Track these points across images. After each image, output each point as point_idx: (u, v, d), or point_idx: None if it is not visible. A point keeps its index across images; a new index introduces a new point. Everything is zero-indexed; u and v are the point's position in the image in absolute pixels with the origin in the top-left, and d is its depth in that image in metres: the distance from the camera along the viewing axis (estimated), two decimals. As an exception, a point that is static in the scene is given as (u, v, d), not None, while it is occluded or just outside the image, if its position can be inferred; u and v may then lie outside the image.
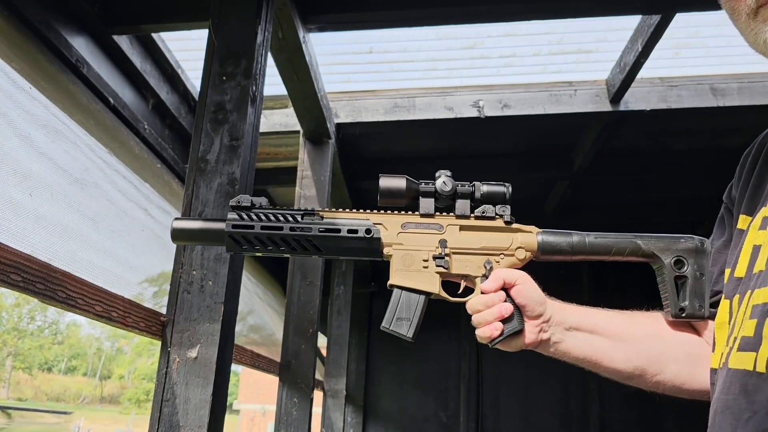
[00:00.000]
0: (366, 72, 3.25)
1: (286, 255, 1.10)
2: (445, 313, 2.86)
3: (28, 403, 46.38)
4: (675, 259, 1.07)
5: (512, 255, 1.09)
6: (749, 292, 0.85)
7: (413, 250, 1.09)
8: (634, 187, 4.41)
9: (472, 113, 3.21)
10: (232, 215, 1.08)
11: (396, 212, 1.11)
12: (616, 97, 3.11)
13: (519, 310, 1.05)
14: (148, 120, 2.82)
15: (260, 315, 4.40)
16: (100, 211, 2.21)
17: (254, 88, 1.80)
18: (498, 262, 1.09)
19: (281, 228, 1.07)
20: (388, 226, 1.10)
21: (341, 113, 3.24)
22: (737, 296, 0.90)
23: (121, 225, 2.39)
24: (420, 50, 3.08)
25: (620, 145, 3.64)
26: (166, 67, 2.86)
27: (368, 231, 1.08)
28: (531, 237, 1.10)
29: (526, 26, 2.88)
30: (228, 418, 2.15)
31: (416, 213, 1.11)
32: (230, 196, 1.66)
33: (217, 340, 1.56)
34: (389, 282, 1.09)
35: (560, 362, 1.11)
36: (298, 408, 2.79)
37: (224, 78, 1.79)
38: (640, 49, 2.73)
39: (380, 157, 3.88)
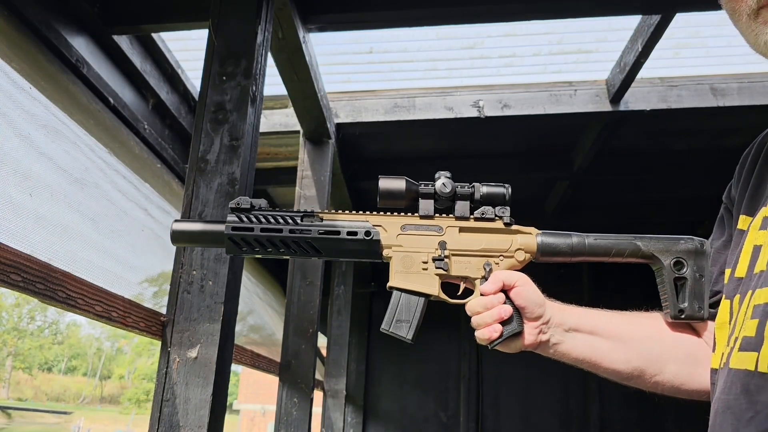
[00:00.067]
0: (366, 72, 3.25)
1: (285, 257, 1.10)
2: (445, 314, 2.86)
3: (28, 403, 46.38)
4: (674, 260, 1.07)
5: (512, 257, 1.09)
6: (750, 292, 0.85)
7: (413, 251, 1.09)
8: (634, 187, 4.41)
9: (472, 113, 3.21)
10: (231, 217, 1.09)
11: (395, 214, 1.11)
12: (616, 97, 3.11)
13: (518, 311, 1.04)
14: (148, 120, 2.82)
15: (260, 315, 4.40)
16: (100, 211, 2.21)
17: (254, 88, 1.80)
18: (497, 263, 1.09)
19: (281, 230, 1.07)
20: (387, 227, 1.10)
21: (341, 113, 3.24)
22: (738, 296, 0.90)
23: (121, 225, 2.39)
24: (420, 50, 3.08)
25: (620, 145, 3.64)
26: (166, 67, 2.86)
27: (368, 233, 1.08)
28: (530, 238, 1.10)
29: (526, 26, 2.88)
30: (228, 418, 2.15)
31: (416, 214, 1.11)
32: (230, 196, 1.66)
33: (217, 340, 1.56)
34: (389, 284, 1.09)
35: (560, 362, 1.11)
36: (298, 408, 2.79)
37: (224, 78, 1.79)
38: (640, 49, 2.73)
39: (380, 157, 3.88)
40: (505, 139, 3.73)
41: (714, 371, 0.93)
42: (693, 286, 1.05)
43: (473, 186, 1.11)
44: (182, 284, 1.61)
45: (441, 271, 1.08)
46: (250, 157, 1.78)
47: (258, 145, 1.87)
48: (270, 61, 2.14)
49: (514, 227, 1.11)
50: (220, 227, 1.09)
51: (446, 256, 1.09)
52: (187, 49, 2.89)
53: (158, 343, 1.60)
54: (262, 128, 3.16)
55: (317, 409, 3.36)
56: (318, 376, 3.98)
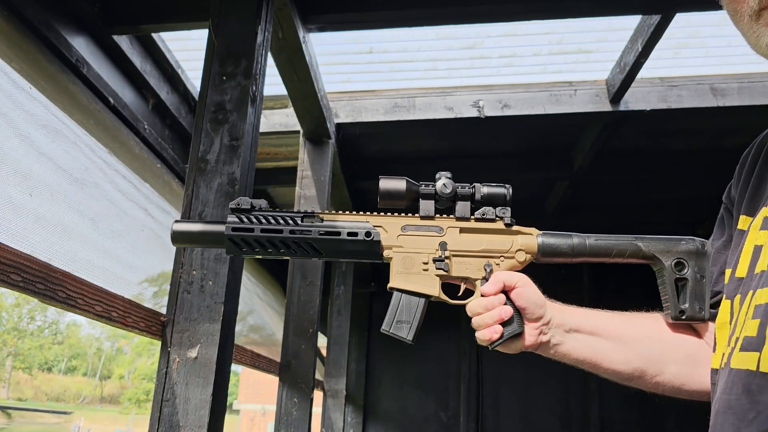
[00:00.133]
0: (366, 72, 3.25)
1: (285, 257, 1.10)
2: (445, 314, 2.86)
3: (28, 403, 46.38)
4: (675, 261, 1.07)
5: (512, 257, 1.09)
6: (751, 292, 0.85)
7: (413, 252, 1.09)
8: (634, 187, 4.41)
9: (472, 113, 3.21)
10: (231, 218, 1.09)
11: (396, 214, 1.11)
12: (616, 97, 3.11)
13: (519, 312, 1.04)
14: (148, 120, 2.82)
15: (260, 315, 4.40)
16: (100, 211, 2.21)
17: (254, 88, 1.80)
18: (498, 264, 1.09)
19: (281, 231, 1.07)
20: (388, 228, 1.10)
21: (341, 113, 3.24)
22: (738, 296, 0.90)
23: (121, 225, 2.39)
24: (420, 50, 3.08)
25: (620, 145, 3.64)
26: (166, 67, 2.86)
27: (368, 234, 1.08)
28: (531, 239, 1.10)
29: (526, 26, 2.88)
30: (228, 418, 2.15)
31: (416, 215, 1.11)
32: (230, 196, 1.66)
33: (217, 340, 1.56)
34: (389, 285, 1.09)
35: (560, 362, 1.10)
36: (298, 408, 2.79)
37: (224, 78, 1.79)
38: (640, 49, 2.73)
39: (380, 157, 3.88)
40: (505, 139, 3.73)
41: (714, 371, 0.93)
42: (694, 287, 1.05)
43: (474, 186, 1.10)
44: (182, 284, 1.61)
45: (441, 272, 1.08)
46: (250, 157, 1.78)
47: (258, 145, 1.87)
48: (270, 61, 2.14)
49: (515, 228, 1.10)
50: (221, 228, 1.09)
51: (447, 257, 1.09)
52: (187, 49, 2.89)
53: (158, 343, 1.60)
54: (262, 128, 3.16)
55: (317, 409, 3.36)
56: (318, 376, 3.98)
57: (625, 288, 4.22)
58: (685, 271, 1.06)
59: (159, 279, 2.54)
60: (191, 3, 2.37)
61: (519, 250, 1.09)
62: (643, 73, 2.96)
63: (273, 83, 2.80)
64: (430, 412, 5.38)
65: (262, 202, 1.10)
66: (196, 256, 1.62)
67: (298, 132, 3.13)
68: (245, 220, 1.08)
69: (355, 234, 1.08)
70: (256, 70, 1.82)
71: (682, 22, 2.68)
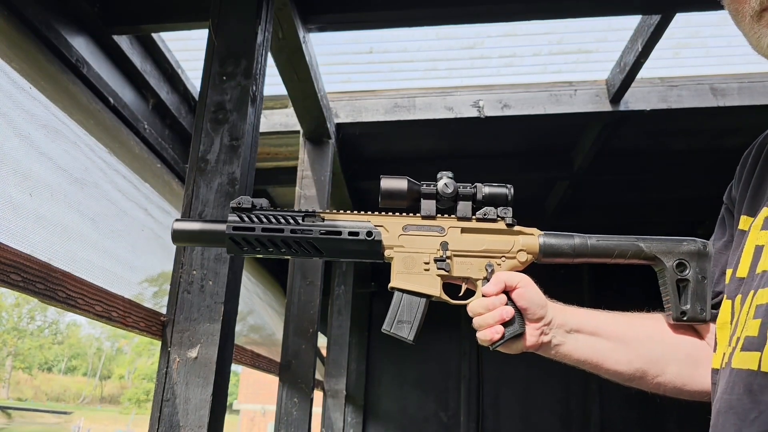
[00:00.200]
0: (366, 72, 3.25)
1: (286, 257, 1.10)
2: (446, 313, 2.86)
3: (28, 403, 46.39)
4: (677, 262, 1.07)
5: (514, 258, 1.09)
6: (752, 292, 0.85)
7: (414, 252, 1.09)
8: (634, 187, 4.41)
9: (472, 113, 3.21)
10: (232, 217, 1.08)
11: (397, 214, 1.10)
12: (616, 97, 3.11)
13: (520, 313, 1.04)
14: (148, 120, 2.82)
15: (260, 315, 4.40)
16: (100, 211, 2.21)
17: (254, 88, 1.80)
18: (499, 264, 1.09)
19: (282, 230, 1.07)
20: (389, 228, 1.09)
21: (341, 113, 3.24)
22: (739, 296, 0.90)
23: (121, 225, 2.39)
24: (420, 50, 3.08)
25: (620, 145, 3.64)
26: (166, 67, 2.86)
27: (369, 233, 1.08)
28: (533, 239, 1.09)
29: (526, 26, 2.88)
30: (228, 418, 2.15)
31: (417, 215, 1.10)
32: (230, 196, 1.65)
33: (217, 340, 1.56)
34: (390, 284, 1.09)
35: (561, 362, 1.10)
36: (298, 408, 2.79)
37: (224, 78, 1.78)
38: (640, 49, 2.73)
39: (380, 157, 3.88)
40: (505, 139, 3.73)
41: (715, 371, 0.93)
42: (695, 288, 1.05)
43: (475, 186, 1.10)
44: (182, 284, 1.61)
45: (443, 272, 1.08)
46: (250, 157, 1.78)
47: (258, 145, 1.87)
48: (270, 61, 2.14)
49: (517, 228, 1.10)
50: (221, 227, 1.09)
51: (448, 257, 1.08)
52: (187, 49, 2.89)
53: (158, 343, 1.60)
54: (262, 128, 3.16)
55: (317, 409, 3.36)
56: (318, 376, 3.98)
57: (625, 288, 4.22)
58: (687, 272, 1.06)
59: (159, 279, 2.54)
60: (191, 3, 2.37)
61: (520, 250, 1.09)
62: (643, 73, 2.96)
63: (273, 83, 2.80)
64: (430, 412, 5.38)
65: (263, 201, 1.10)
66: (196, 256, 1.62)
67: (298, 132, 3.13)
68: (246, 219, 1.08)
69: (357, 233, 1.08)
70: (256, 70, 1.82)
71: (682, 22, 2.68)
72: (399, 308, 1.08)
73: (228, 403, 2.02)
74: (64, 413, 44.15)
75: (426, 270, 1.08)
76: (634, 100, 3.17)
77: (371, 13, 2.51)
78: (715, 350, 0.95)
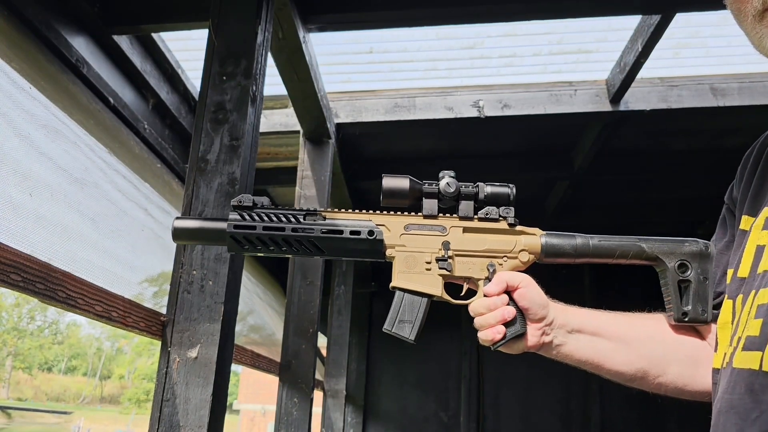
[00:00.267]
0: (366, 72, 3.25)
1: (287, 255, 1.09)
2: (446, 313, 2.86)
3: (28, 403, 46.38)
4: (679, 262, 1.06)
5: (515, 258, 1.08)
6: (753, 291, 0.85)
7: (416, 252, 1.08)
8: (634, 187, 4.41)
9: (472, 113, 3.21)
10: (233, 215, 1.08)
11: (399, 213, 1.10)
12: (616, 97, 3.11)
13: (522, 313, 1.04)
14: (148, 120, 2.82)
15: (260, 315, 4.40)
16: (100, 211, 2.21)
17: (254, 88, 1.80)
18: (501, 264, 1.08)
19: (283, 229, 1.06)
20: (390, 227, 1.09)
21: (341, 113, 3.24)
22: (741, 296, 0.90)
23: (121, 225, 2.39)
24: (420, 50, 3.08)
25: (620, 145, 3.64)
26: (166, 67, 2.85)
27: (371, 232, 1.07)
28: (534, 239, 1.09)
29: (526, 26, 2.88)
30: (228, 418, 2.15)
31: (419, 214, 1.10)
32: (230, 196, 1.65)
33: (217, 340, 1.56)
34: (392, 284, 1.08)
35: (561, 362, 1.10)
36: (298, 408, 2.79)
37: (224, 78, 1.78)
38: (640, 49, 2.73)
39: (380, 157, 3.88)
40: (505, 139, 3.73)
41: (716, 371, 0.93)
42: (697, 289, 1.05)
43: (477, 186, 1.09)
44: (182, 284, 1.61)
45: (444, 272, 1.07)
46: (251, 157, 1.78)
47: (258, 145, 1.87)
48: (270, 61, 2.14)
49: (518, 228, 1.10)
50: (222, 225, 1.08)
51: (450, 257, 1.08)
52: (187, 49, 2.89)
53: (158, 343, 1.60)
54: (262, 128, 3.16)
55: (317, 409, 3.36)
56: (318, 376, 3.98)
57: (626, 289, 4.23)
58: (688, 272, 1.06)
59: (159, 279, 2.54)
60: (191, 3, 2.37)
61: (522, 250, 1.09)
62: (643, 73, 2.96)
63: (273, 83, 2.80)
64: (430, 412, 5.38)
65: (264, 200, 1.09)
66: (197, 255, 1.62)
67: (298, 132, 3.13)
68: (247, 217, 1.07)
69: (358, 233, 1.07)
70: (256, 70, 1.82)
71: (682, 22, 2.68)
72: (400, 308, 1.07)
73: (228, 403, 2.03)
74: (64, 413, 44.15)
75: (428, 269, 1.08)
76: (634, 100, 3.17)
77: (371, 13, 2.51)
78: (716, 350, 0.95)
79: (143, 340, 38.90)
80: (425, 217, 1.10)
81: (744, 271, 0.91)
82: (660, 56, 2.88)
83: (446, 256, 1.08)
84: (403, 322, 1.07)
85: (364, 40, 2.98)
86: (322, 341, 4.01)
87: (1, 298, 47.14)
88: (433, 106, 3.23)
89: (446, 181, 1.09)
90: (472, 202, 1.10)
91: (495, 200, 1.10)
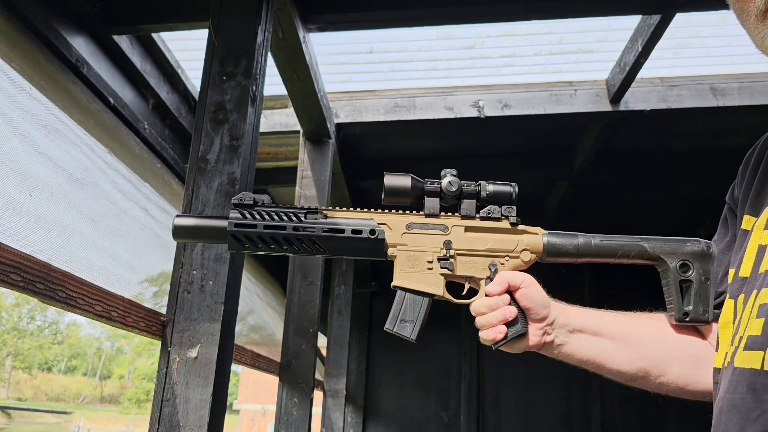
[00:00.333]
0: (366, 72, 3.25)
1: (288, 254, 1.09)
2: (446, 313, 2.86)
3: (28, 403, 46.40)
4: (680, 262, 1.06)
5: (517, 257, 1.08)
6: (755, 291, 0.85)
7: (418, 251, 1.08)
8: (634, 187, 4.41)
9: (472, 113, 3.21)
10: (234, 213, 1.07)
11: (400, 212, 1.09)
12: (616, 97, 3.11)
13: (523, 312, 1.04)
14: (148, 120, 2.82)
15: (260, 315, 4.40)
16: (100, 210, 2.21)
17: (254, 88, 1.80)
18: (503, 264, 1.08)
19: (284, 227, 1.06)
20: (392, 226, 1.08)
21: (341, 113, 3.24)
22: (742, 296, 0.90)
23: (121, 225, 2.39)
24: (420, 50, 3.08)
25: (620, 145, 3.64)
26: (166, 67, 2.86)
27: (372, 231, 1.07)
28: (536, 239, 1.09)
29: (526, 26, 2.88)
30: (228, 418, 2.15)
31: (421, 213, 1.09)
32: (230, 195, 1.65)
33: (217, 339, 1.56)
34: (393, 283, 1.07)
35: (561, 362, 1.10)
36: (298, 408, 2.79)
37: (224, 78, 1.79)
38: (640, 49, 2.73)
39: (380, 157, 3.88)
40: (505, 139, 3.73)
41: (717, 370, 0.93)
42: (698, 289, 1.04)
43: (479, 184, 1.09)
44: (182, 284, 1.61)
45: (446, 271, 1.07)
46: (251, 157, 1.79)
47: (258, 145, 1.87)
48: (270, 61, 2.14)
49: (520, 227, 1.09)
50: (223, 223, 1.07)
51: (451, 256, 1.07)
52: (187, 49, 2.89)
53: (158, 343, 1.60)
54: (262, 128, 3.16)
55: (317, 409, 3.36)
56: (318, 376, 3.98)
57: (625, 288, 4.22)
58: (690, 272, 1.05)
59: (159, 279, 2.54)
60: (191, 3, 2.37)
61: (524, 249, 1.08)
62: (643, 73, 2.96)
63: (273, 83, 2.80)
64: (430, 412, 5.38)
65: (265, 198, 1.08)
66: (197, 255, 1.62)
67: (298, 132, 3.13)
68: (248, 215, 1.07)
69: (360, 232, 1.06)
70: (256, 70, 1.82)
71: (682, 22, 2.69)
72: (402, 307, 1.07)
73: (228, 403, 2.03)
74: (64, 413, 44.15)
75: (429, 269, 1.07)
76: (634, 100, 3.17)
77: (371, 13, 2.51)
78: (717, 349, 0.95)
79: (143, 340, 38.91)
80: (427, 216, 1.09)
81: (746, 270, 0.91)
82: (660, 56, 2.89)
83: (448, 255, 1.07)
84: (405, 321, 1.06)
85: (364, 40, 2.98)
86: (322, 341, 4.01)
87: (1, 298, 47.18)
88: (433, 106, 3.23)
89: (448, 179, 1.08)
90: (474, 201, 1.09)
91: (497, 199, 1.09)
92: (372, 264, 5.16)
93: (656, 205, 4.71)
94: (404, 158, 3.94)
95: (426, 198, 1.09)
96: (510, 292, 1.04)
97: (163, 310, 1.64)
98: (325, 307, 4.47)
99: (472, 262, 1.08)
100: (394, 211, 1.10)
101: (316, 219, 1.07)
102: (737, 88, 3.16)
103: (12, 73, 1.89)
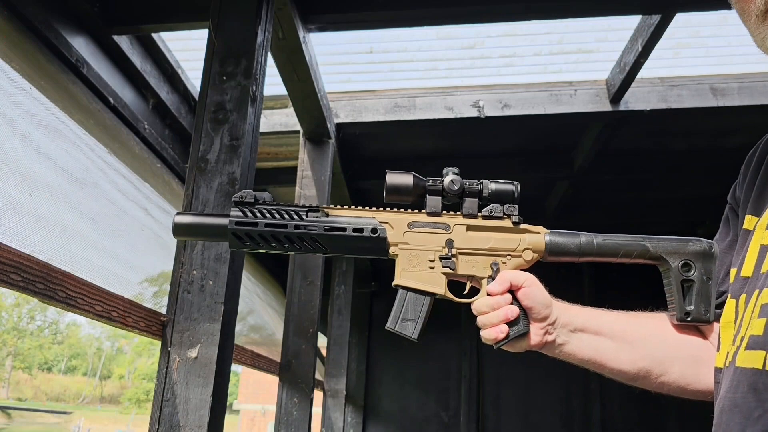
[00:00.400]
0: (366, 72, 3.25)
1: (289, 252, 1.09)
2: (446, 313, 2.86)
3: (28, 403, 46.40)
4: (682, 262, 1.06)
5: (519, 256, 1.08)
6: (757, 291, 0.85)
7: (419, 250, 1.07)
8: (634, 187, 4.41)
9: (472, 113, 3.21)
10: (235, 211, 1.06)
11: (402, 210, 1.09)
12: (616, 97, 3.11)
13: (525, 312, 1.03)
14: (148, 120, 2.82)
15: (260, 315, 4.40)
16: (100, 210, 2.21)
17: (254, 88, 1.80)
18: (505, 263, 1.07)
19: (285, 226, 1.05)
20: (394, 224, 1.08)
21: (341, 113, 3.24)
22: (744, 296, 0.90)
23: (121, 225, 2.39)
24: (420, 50, 3.08)
25: (620, 145, 3.64)
26: (166, 67, 2.86)
27: (374, 230, 1.06)
28: (539, 238, 1.08)
29: (526, 26, 2.88)
30: (228, 418, 2.15)
31: (423, 211, 1.09)
32: (230, 195, 1.65)
33: (217, 339, 1.56)
34: (395, 282, 1.07)
35: (561, 362, 1.10)
36: (298, 408, 2.79)
37: (224, 78, 1.78)
38: (640, 49, 2.73)
39: (380, 157, 3.88)
40: (505, 139, 3.73)
41: (718, 370, 0.93)
42: (700, 289, 1.04)
43: (482, 183, 1.09)
44: (182, 284, 1.61)
45: (448, 270, 1.07)
46: (251, 157, 1.78)
47: (258, 145, 1.87)
48: (270, 61, 2.14)
49: (522, 226, 1.09)
50: (224, 221, 1.06)
51: (453, 255, 1.07)
52: (187, 49, 2.89)
53: (158, 343, 1.60)
54: (262, 128, 3.16)
55: (317, 409, 3.36)
56: (318, 376, 3.98)
57: (625, 288, 4.22)
58: (692, 272, 1.05)
59: (159, 279, 2.54)
60: (191, 3, 2.37)
61: (526, 248, 1.08)
62: (643, 73, 2.96)
63: (273, 83, 2.80)
64: (430, 412, 5.38)
65: (266, 196, 1.07)
66: (197, 255, 1.62)
67: (298, 132, 3.13)
68: (249, 214, 1.06)
69: (361, 230, 1.06)
70: (256, 70, 1.82)
71: (682, 22, 2.69)
72: (403, 306, 1.06)
73: (228, 403, 2.03)
74: (64, 413, 44.14)
75: (431, 268, 1.07)
76: (634, 100, 3.17)
77: (371, 13, 2.51)
78: (718, 349, 0.95)
79: (143, 340, 38.91)
80: (429, 214, 1.09)
81: (747, 270, 0.91)
82: (660, 56, 2.89)
83: (450, 254, 1.07)
84: (406, 320, 1.06)
85: (364, 40, 2.98)
86: (322, 341, 4.01)
87: (1, 298, 47.17)
88: (433, 106, 3.23)
89: (450, 178, 1.08)
90: (476, 200, 1.09)
91: (499, 197, 1.09)
92: (372, 264, 5.16)
93: (656, 205, 4.71)
94: (404, 158, 3.94)
95: (428, 196, 1.08)
96: (512, 291, 1.04)
97: (163, 310, 1.64)
98: (325, 307, 4.47)
99: (473, 261, 1.08)
100: (395, 209, 1.09)
101: (317, 217, 1.06)
102: (737, 88, 3.16)
103: (12, 73, 1.89)
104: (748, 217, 0.98)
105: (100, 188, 2.28)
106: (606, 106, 3.17)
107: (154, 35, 2.68)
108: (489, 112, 3.20)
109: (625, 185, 4.40)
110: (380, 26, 2.73)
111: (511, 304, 1.03)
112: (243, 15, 1.86)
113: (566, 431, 5.29)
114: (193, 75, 3.04)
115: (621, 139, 3.55)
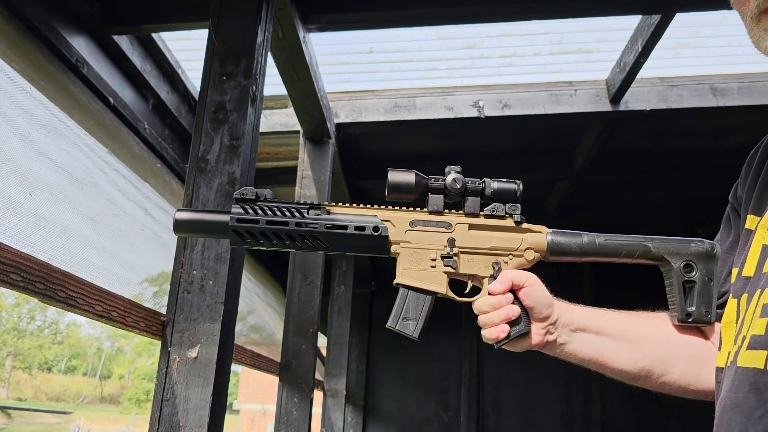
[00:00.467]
0: (366, 72, 3.25)
1: (290, 249, 1.08)
2: (447, 313, 2.86)
3: (28, 403, 46.39)
4: (684, 263, 1.06)
5: (521, 256, 1.07)
6: (759, 291, 0.85)
7: (421, 248, 1.07)
8: (634, 187, 4.41)
9: (472, 113, 3.21)
10: (236, 208, 1.05)
11: (404, 209, 1.08)
12: (616, 97, 3.11)
13: (526, 311, 1.03)
14: (148, 120, 2.82)
15: (260, 315, 4.40)
16: (100, 210, 2.21)
17: (254, 88, 1.80)
18: (506, 262, 1.07)
19: (287, 223, 1.04)
20: (395, 223, 1.07)
21: (341, 113, 3.24)
22: (745, 295, 0.90)
23: (121, 225, 2.39)
24: (420, 50, 3.08)
25: (620, 145, 3.64)
26: (166, 67, 2.86)
27: (376, 228, 1.06)
28: (541, 237, 1.08)
29: (526, 26, 2.88)
30: (228, 418, 2.15)
31: (424, 210, 1.08)
32: (230, 195, 1.65)
33: (217, 339, 1.56)
34: (396, 280, 1.07)
35: (562, 362, 1.10)
36: (298, 408, 2.79)
37: (224, 78, 1.79)
38: (640, 49, 2.73)
39: (380, 157, 3.88)
40: (505, 139, 3.73)
41: (720, 370, 0.93)
42: (701, 290, 1.04)
43: (484, 182, 1.08)
44: (182, 284, 1.61)
45: (449, 269, 1.06)
46: (251, 157, 1.79)
47: (258, 145, 1.87)
48: (270, 61, 2.14)
49: (524, 225, 1.09)
50: (225, 218, 1.06)
51: (455, 254, 1.07)
52: (187, 49, 2.89)
53: (158, 343, 1.60)
54: (262, 128, 3.16)
55: (317, 409, 3.36)
56: (318, 376, 3.97)
57: (626, 288, 4.22)
58: (693, 273, 1.05)
59: (159, 279, 2.54)
60: (191, 3, 2.37)
61: (528, 248, 1.08)
62: (643, 73, 2.96)
63: (273, 83, 2.80)
64: (430, 412, 5.38)
65: (268, 193, 1.07)
66: (197, 255, 1.62)
67: (298, 132, 3.13)
68: (250, 211, 1.05)
69: (363, 228, 1.05)
70: (256, 70, 1.82)
71: (682, 22, 2.69)
72: (405, 305, 1.06)
73: (228, 403, 2.03)
74: (64, 413, 44.14)
75: (432, 267, 1.07)
76: (634, 100, 3.17)
77: (371, 13, 2.51)
78: (719, 349, 0.95)
79: (143, 340, 38.92)
80: (431, 213, 1.08)
81: (749, 270, 0.91)
82: (660, 56, 2.89)
83: (451, 253, 1.06)
84: (407, 319, 1.06)
85: (364, 40, 2.98)
86: (322, 341, 4.01)
87: (1, 298, 47.16)
88: (433, 106, 3.23)
89: (453, 176, 1.08)
90: (478, 198, 1.08)
91: (501, 196, 1.08)
92: (372, 264, 5.16)
93: (656, 205, 4.71)
94: (404, 158, 3.94)
95: (430, 195, 1.08)
96: (513, 290, 1.04)
97: (163, 310, 1.64)
98: (325, 307, 4.47)
99: (475, 260, 1.08)
100: (397, 207, 1.09)
101: (318, 215, 1.06)
102: (737, 88, 3.16)
103: (12, 73, 1.89)
104: (749, 216, 0.98)
105: (100, 188, 2.28)
106: (606, 106, 3.17)
107: (154, 35, 2.68)
108: (489, 112, 3.20)
109: (625, 185, 4.40)
110: (380, 26, 2.73)
111: (513, 303, 1.03)
112: (243, 15, 1.86)
113: (566, 431, 5.28)
114: (193, 75, 3.04)
115: (621, 139, 3.55)
